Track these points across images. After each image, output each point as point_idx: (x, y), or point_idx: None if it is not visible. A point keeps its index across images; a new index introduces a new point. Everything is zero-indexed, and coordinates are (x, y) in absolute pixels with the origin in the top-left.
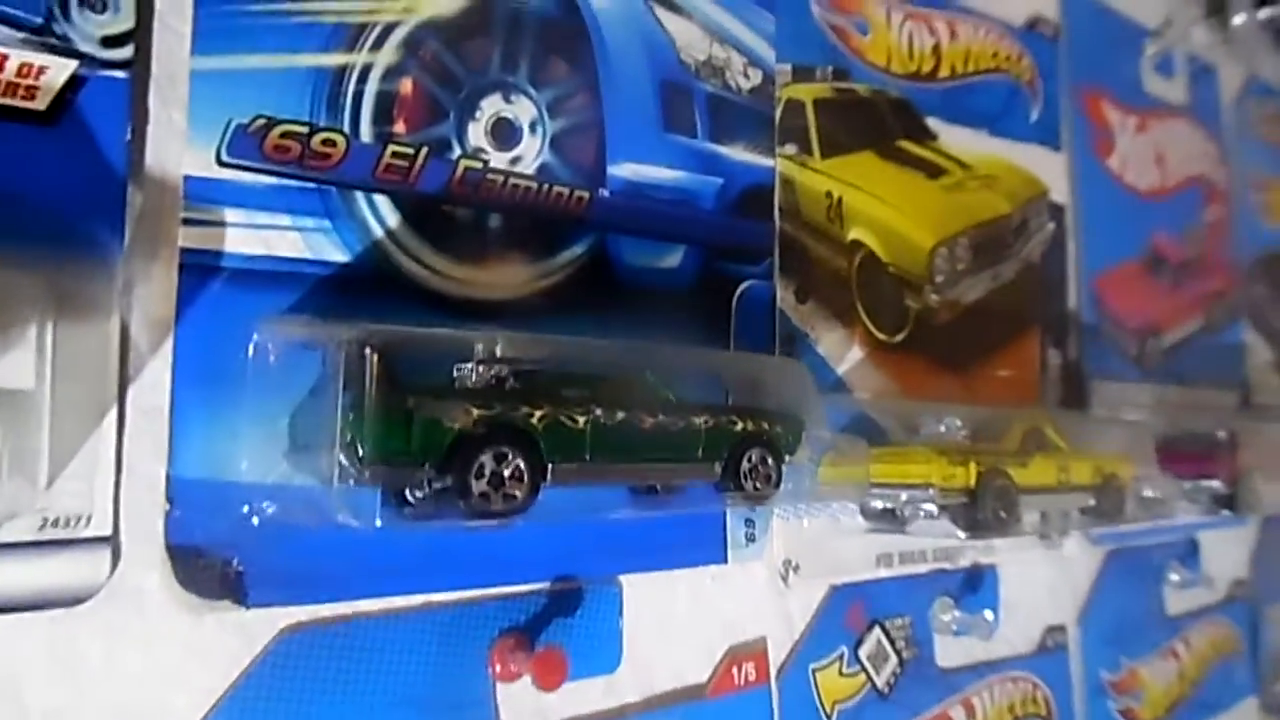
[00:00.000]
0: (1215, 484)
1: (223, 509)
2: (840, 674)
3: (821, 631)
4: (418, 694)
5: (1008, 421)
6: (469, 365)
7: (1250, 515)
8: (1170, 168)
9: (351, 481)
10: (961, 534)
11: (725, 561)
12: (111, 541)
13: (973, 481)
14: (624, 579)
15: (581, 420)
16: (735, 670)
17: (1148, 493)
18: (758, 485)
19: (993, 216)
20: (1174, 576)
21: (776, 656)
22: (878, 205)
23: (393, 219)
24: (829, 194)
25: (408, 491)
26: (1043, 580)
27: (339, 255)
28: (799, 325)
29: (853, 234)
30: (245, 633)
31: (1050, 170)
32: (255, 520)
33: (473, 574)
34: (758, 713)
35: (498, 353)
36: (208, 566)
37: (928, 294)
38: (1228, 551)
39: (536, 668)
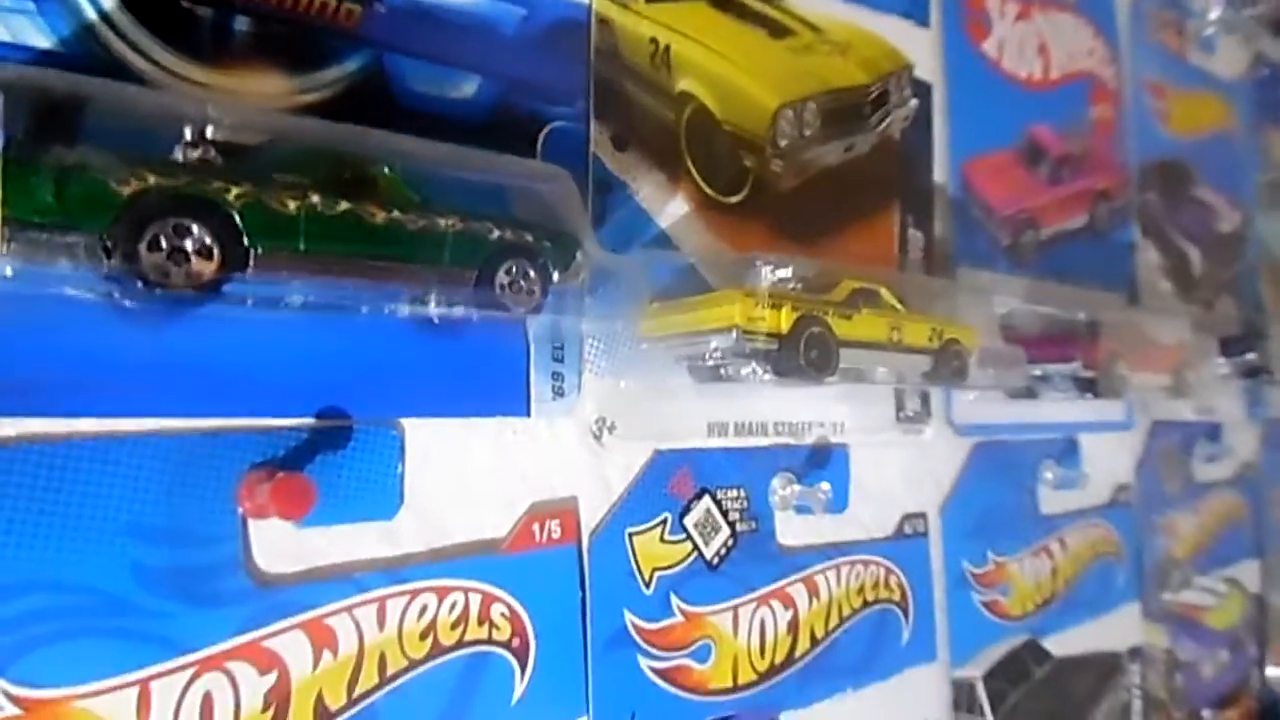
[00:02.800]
0: (1074, 367)
1: None
2: (661, 540)
3: (641, 496)
4: (147, 523)
5: (837, 276)
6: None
7: (1114, 399)
8: (1054, 60)
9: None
10: (766, 377)
11: (528, 414)
12: None
13: (784, 327)
14: (406, 423)
15: (293, 205)
16: (537, 527)
17: (1036, 371)
18: (516, 298)
19: (847, 84)
20: (1048, 475)
21: (589, 518)
22: (713, 58)
23: (114, 9)
24: (654, 40)
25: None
26: (900, 466)
27: (47, 42)
28: (616, 173)
29: (682, 85)
30: None
31: (916, 46)
32: None
33: (221, 401)
34: (562, 572)
35: (208, 134)
36: None
37: (770, 157)
38: (1112, 455)
39: (275, 494)
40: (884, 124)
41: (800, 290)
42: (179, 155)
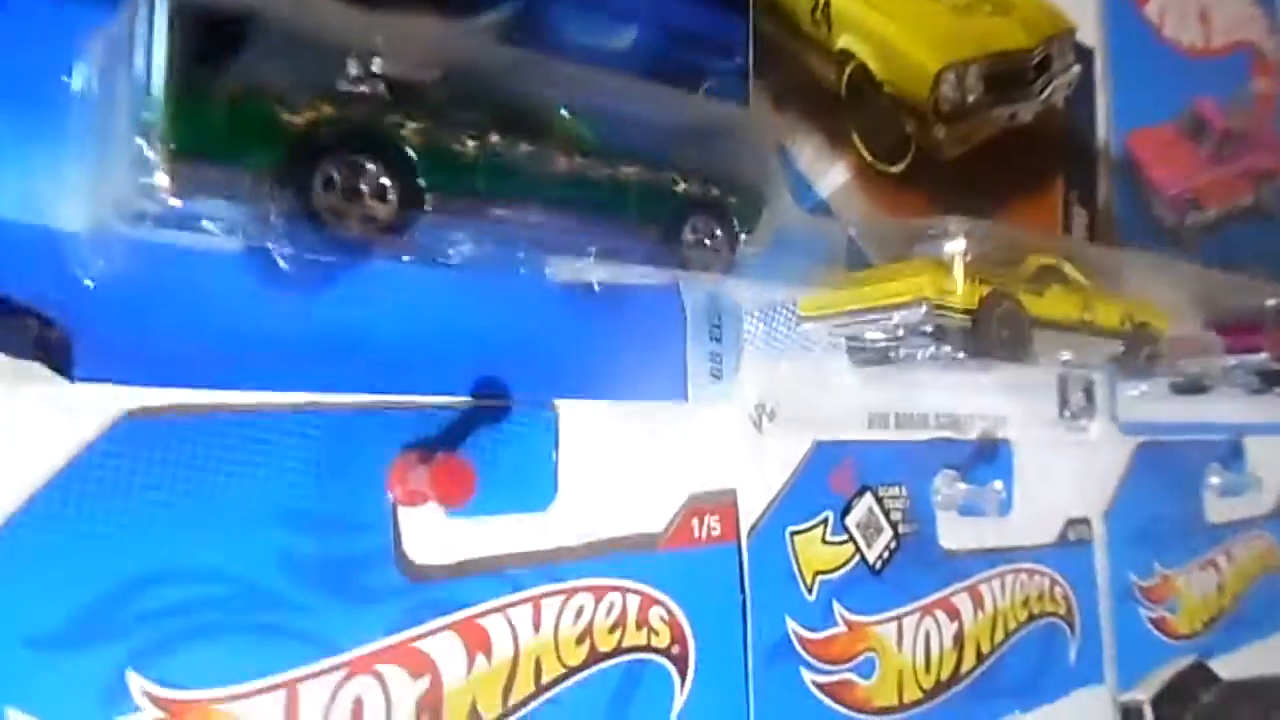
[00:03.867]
0: (1262, 359)
1: (43, 261)
2: (823, 541)
3: (802, 490)
4: (296, 508)
5: (1021, 249)
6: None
7: None
8: (1216, 27)
9: (149, 175)
10: (960, 354)
11: (686, 398)
12: None
13: (975, 302)
14: (561, 404)
15: (471, 145)
16: (696, 522)
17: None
18: (704, 259)
19: (1010, 48)
20: (1215, 479)
21: (748, 513)
22: (873, 15)
23: None
24: None
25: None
26: (1064, 466)
27: None
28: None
29: (842, 41)
30: (73, 411)
31: (1078, 7)
32: (89, 282)
33: (374, 376)
34: (721, 572)
35: (374, 67)
36: (22, 328)
37: (932, 123)
38: (1278, 457)
39: (434, 479)
40: (1047, 91)
41: (982, 264)
42: (343, 89)
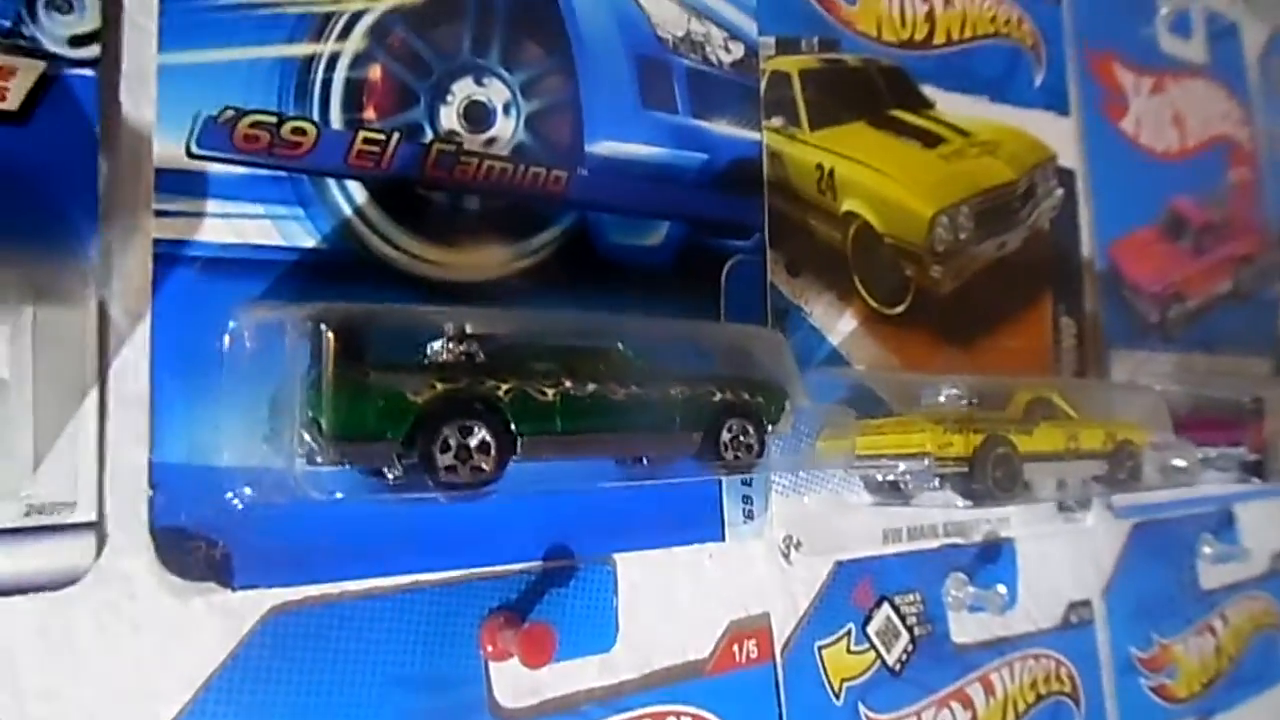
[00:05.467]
0: (1240, 451)
1: (206, 493)
2: (848, 651)
3: (827, 608)
4: (408, 673)
5: (1011, 390)
6: (439, 343)
7: None
8: (1190, 129)
9: (316, 460)
10: (960, 503)
11: (723, 539)
12: (97, 527)
13: (970, 450)
14: (618, 557)
15: (550, 392)
16: (737, 648)
17: (1177, 462)
18: (739, 455)
19: (996, 183)
20: (1207, 549)
21: (780, 634)
22: (872, 175)
23: (366, 204)
24: (819, 166)
25: (386, 471)
26: (1064, 554)
27: (312, 241)
28: (792, 299)
29: (846, 205)
30: (232, 614)
31: (1058, 135)
32: (237, 504)
33: (462, 554)
34: (761, 690)
35: (467, 330)
36: (193, 550)
37: (929, 264)
38: (1268, 524)
39: (522, 644)
40: (1033, 216)
41: (976, 406)
42: (444, 348)
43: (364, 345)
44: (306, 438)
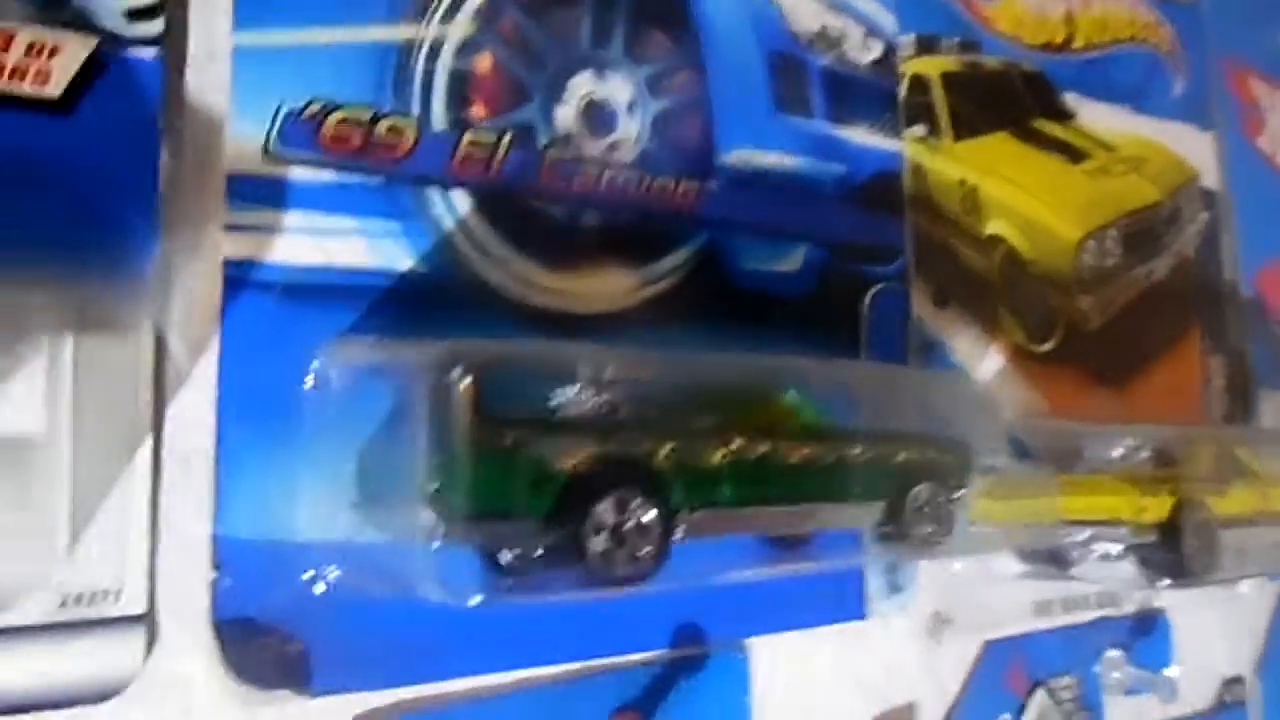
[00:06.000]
0: None
1: (280, 576)
2: None
3: (978, 695)
4: None
5: (1192, 441)
6: (572, 390)
7: None
8: None
9: (441, 540)
10: (1164, 581)
11: (865, 616)
12: (146, 620)
13: (1166, 514)
14: (751, 642)
15: (718, 455)
16: None
17: None
18: (929, 529)
19: (1143, 205)
20: None
21: None
22: (1018, 194)
23: (472, 219)
24: (963, 182)
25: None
26: (1216, 625)
27: (410, 263)
28: (935, 333)
29: (991, 227)
30: None
31: (1198, 152)
32: (319, 588)
33: (578, 644)
34: None
35: (607, 374)
36: (263, 647)
37: (1076, 294)
38: None
39: None
40: (1178, 242)
41: (1155, 462)
42: (577, 397)
43: (490, 396)
44: (429, 514)
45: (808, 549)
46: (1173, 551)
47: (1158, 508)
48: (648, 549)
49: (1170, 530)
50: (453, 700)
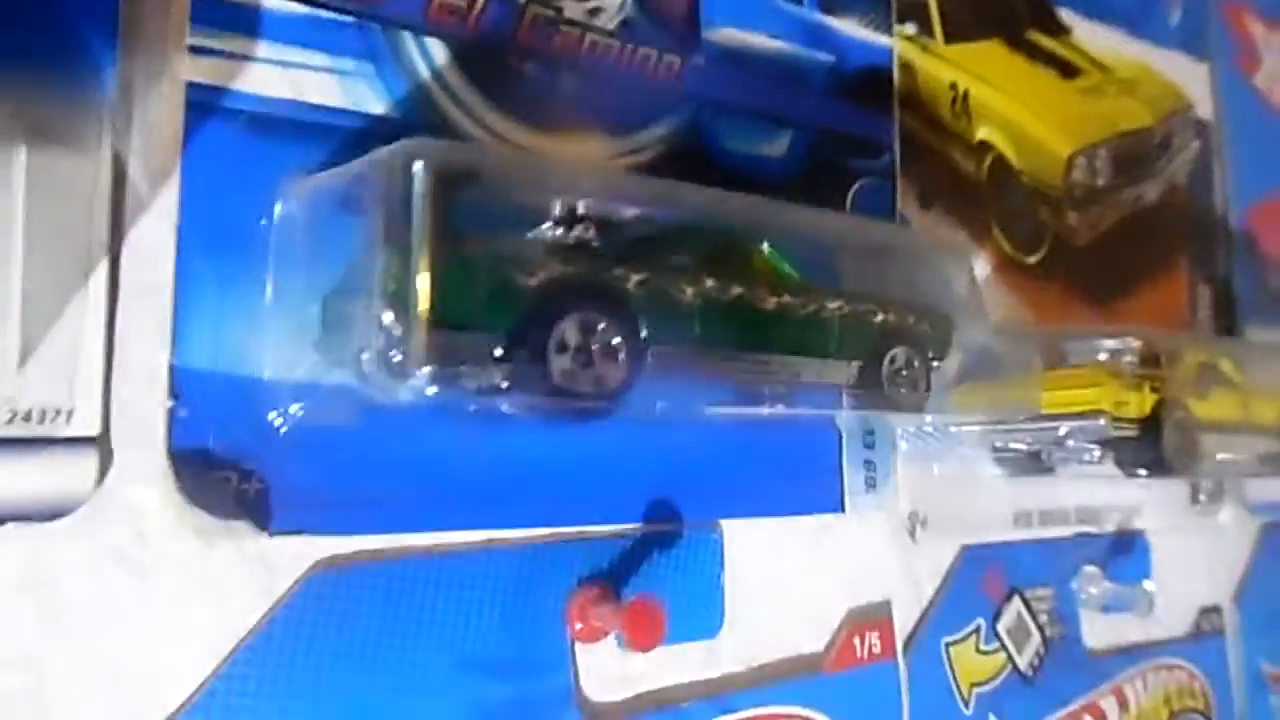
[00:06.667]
0: None
1: (241, 411)
2: (978, 651)
3: (955, 598)
4: (480, 653)
5: (1178, 350)
6: (545, 226)
7: None
8: None
9: (398, 349)
10: (1141, 472)
11: (842, 510)
12: (99, 443)
13: (1148, 410)
14: (725, 524)
15: (690, 291)
16: (858, 640)
17: None
18: (903, 391)
19: (1135, 127)
20: None
21: (903, 625)
22: (1009, 103)
23: (448, 68)
24: (954, 85)
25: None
26: (1197, 552)
27: (383, 108)
28: None
29: (981, 133)
30: (269, 566)
31: (1192, 81)
32: (281, 425)
33: (549, 510)
34: (883, 693)
35: (579, 209)
36: (222, 480)
37: (1066, 210)
38: None
39: (629, 623)
40: (1169, 169)
41: (1139, 367)
42: (549, 233)
43: (463, 212)
44: (384, 322)
45: (781, 422)
46: (1152, 449)
47: (1139, 403)
48: (612, 372)
49: (1151, 426)
50: (416, 554)
